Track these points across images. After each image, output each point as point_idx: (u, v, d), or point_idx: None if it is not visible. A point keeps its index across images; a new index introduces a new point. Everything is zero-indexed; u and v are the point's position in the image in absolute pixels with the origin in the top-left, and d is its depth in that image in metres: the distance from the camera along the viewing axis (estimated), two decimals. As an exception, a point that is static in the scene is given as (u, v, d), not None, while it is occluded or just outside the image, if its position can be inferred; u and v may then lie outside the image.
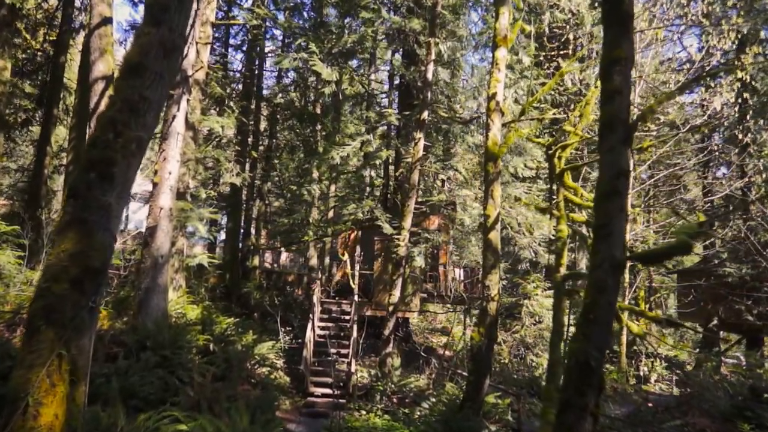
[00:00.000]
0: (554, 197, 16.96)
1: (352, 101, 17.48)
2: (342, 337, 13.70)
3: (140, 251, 10.46)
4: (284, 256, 26.31)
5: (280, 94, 18.46)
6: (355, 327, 13.10)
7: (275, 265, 24.91)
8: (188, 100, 10.61)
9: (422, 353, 13.72)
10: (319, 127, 16.13)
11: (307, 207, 15.78)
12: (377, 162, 15.08)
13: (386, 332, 12.51)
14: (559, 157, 8.58)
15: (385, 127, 16.64)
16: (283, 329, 13.77)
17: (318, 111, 16.70)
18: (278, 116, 19.50)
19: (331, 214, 17.76)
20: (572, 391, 4.79)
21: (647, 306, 20.25)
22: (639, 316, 8.41)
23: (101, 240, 3.87)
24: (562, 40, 16.52)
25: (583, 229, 11.28)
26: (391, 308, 12.65)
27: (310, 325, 12.60)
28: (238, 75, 19.51)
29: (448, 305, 15.93)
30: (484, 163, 8.98)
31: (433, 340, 18.00)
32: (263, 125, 20.32)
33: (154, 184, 10.23)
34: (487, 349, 8.66)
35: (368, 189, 18.04)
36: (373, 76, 19.88)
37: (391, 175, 16.36)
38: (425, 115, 13.04)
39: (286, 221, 16.69)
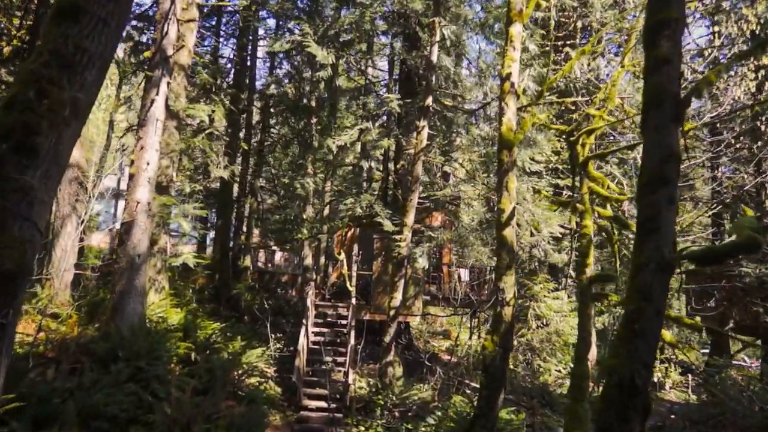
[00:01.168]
0: (564, 191, 16.12)
1: (348, 95, 16.56)
2: (338, 343, 12.84)
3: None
4: (279, 256, 25.35)
5: (273, 86, 17.51)
6: (352, 333, 12.22)
7: (269, 265, 23.93)
8: (169, 84, 9.63)
9: (426, 361, 12.76)
10: (314, 120, 15.20)
11: (302, 203, 14.82)
12: (377, 153, 14.15)
13: (387, 338, 11.57)
14: (583, 144, 7.67)
15: (385, 117, 15.71)
16: (273, 335, 12.80)
17: (313, 104, 15.77)
18: (271, 109, 18.56)
19: (327, 210, 16.80)
20: (613, 415, 3.82)
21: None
22: (675, 323, 7.51)
23: (18, 234, 2.88)
24: (570, 29, 15.76)
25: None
26: (392, 312, 11.72)
27: (303, 331, 11.66)
28: (229, 65, 18.54)
29: (452, 308, 15.00)
30: (498, 151, 8.06)
31: (434, 344, 17.08)
32: (256, 118, 19.37)
33: (131, 176, 9.28)
34: (501, 359, 7.72)
35: (366, 184, 17.11)
36: (371, 68, 18.93)
37: (392, 168, 15.43)
38: (429, 101, 12.12)
39: (279, 218, 15.74)
